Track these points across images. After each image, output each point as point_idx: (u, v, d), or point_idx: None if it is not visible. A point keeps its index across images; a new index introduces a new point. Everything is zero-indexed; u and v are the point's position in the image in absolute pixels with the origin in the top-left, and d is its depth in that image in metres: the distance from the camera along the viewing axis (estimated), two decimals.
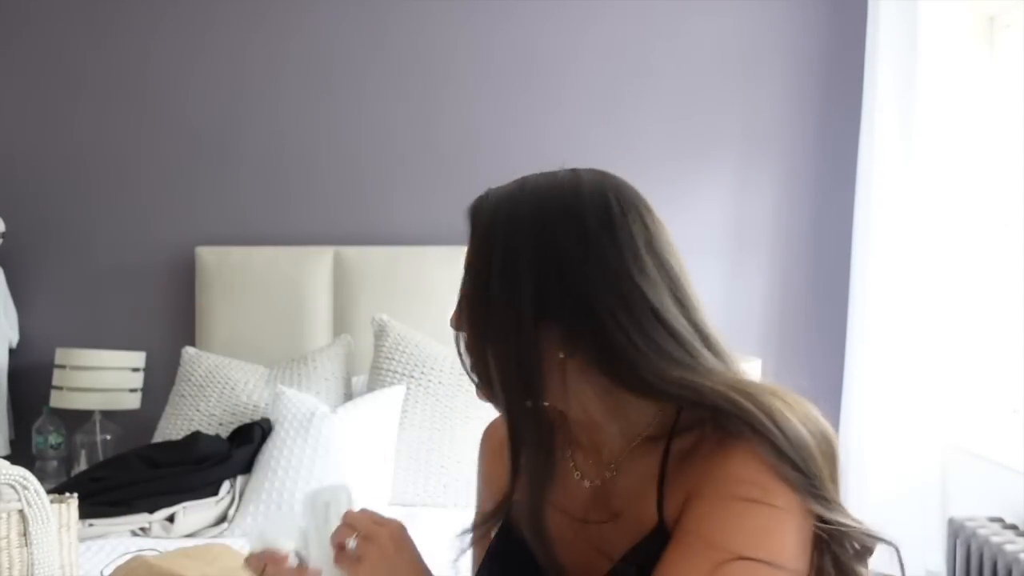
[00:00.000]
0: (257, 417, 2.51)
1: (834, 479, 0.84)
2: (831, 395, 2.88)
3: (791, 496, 0.78)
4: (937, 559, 2.43)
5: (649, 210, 0.89)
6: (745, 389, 0.82)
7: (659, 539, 0.82)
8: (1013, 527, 2.13)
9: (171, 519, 2.21)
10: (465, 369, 0.91)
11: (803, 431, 0.80)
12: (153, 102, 3.00)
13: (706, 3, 2.94)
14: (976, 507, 2.31)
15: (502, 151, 2.94)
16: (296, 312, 2.87)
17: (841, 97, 2.89)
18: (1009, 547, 1.99)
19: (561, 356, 0.84)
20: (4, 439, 2.86)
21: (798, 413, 0.82)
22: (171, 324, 3.01)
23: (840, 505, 0.82)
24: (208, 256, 2.91)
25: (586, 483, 0.92)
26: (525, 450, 0.87)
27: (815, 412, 0.84)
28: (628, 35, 2.95)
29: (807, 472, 0.78)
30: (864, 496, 2.54)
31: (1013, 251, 2.43)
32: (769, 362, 2.91)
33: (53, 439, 2.83)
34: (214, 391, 2.63)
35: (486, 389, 0.89)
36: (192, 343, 2.91)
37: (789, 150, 2.94)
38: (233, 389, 2.62)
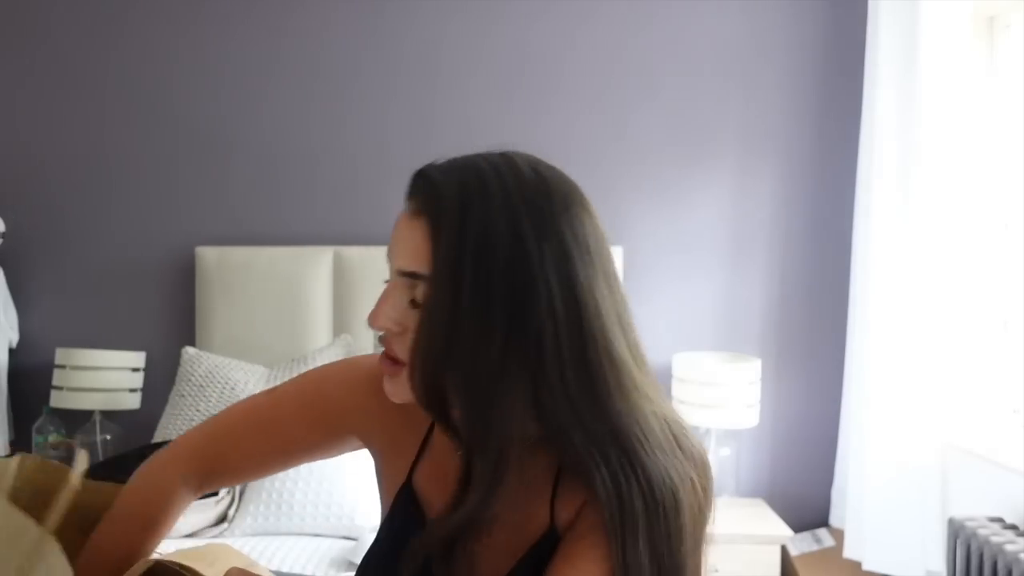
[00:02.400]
0: None
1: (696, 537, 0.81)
2: (831, 395, 2.88)
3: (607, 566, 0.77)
4: (937, 559, 2.43)
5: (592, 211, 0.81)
6: (631, 448, 0.78)
7: (550, 543, 0.83)
8: (1013, 527, 2.13)
9: None
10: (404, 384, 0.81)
11: (659, 487, 0.78)
12: (153, 102, 3.00)
13: (706, 3, 2.94)
14: (976, 507, 2.31)
15: (500, 149, 2.93)
16: (296, 312, 2.87)
17: (841, 97, 2.89)
18: (1009, 547, 1.99)
19: (520, 383, 0.76)
20: (4, 439, 2.87)
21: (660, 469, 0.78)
22: (171, 324, 3.01)
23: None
24: (208, 256, 2.91)
25: None
26: (483, 489, 0.77)
27: (699, 459, 0.82)
28: (626, 34, 2.95)
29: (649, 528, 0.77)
30: (864, 496, 2.54)
31: (1013, 251, 2.43)
32: (769, 362, 2.91)
33: (53, 439, 2.83)
34: (214, 391, 2.63)
35: (435, 406, 0.79)
36: (192, 343, 2.91)
37: (789, 150, 2.94)
38: (233, 389, 2.62)
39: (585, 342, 0.75)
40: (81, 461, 0.86)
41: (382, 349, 0.85)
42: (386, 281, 0.84)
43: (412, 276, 0.79)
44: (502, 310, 0.74)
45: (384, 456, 0.95)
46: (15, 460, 0.86)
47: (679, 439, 0.81)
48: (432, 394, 0.78)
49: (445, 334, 0.75)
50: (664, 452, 0.79)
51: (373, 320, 0.82)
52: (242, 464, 0.98)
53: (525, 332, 0.74)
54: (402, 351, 0.81)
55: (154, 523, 0.96)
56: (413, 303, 0.80)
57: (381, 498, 0.98)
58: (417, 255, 0.78)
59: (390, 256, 0.83)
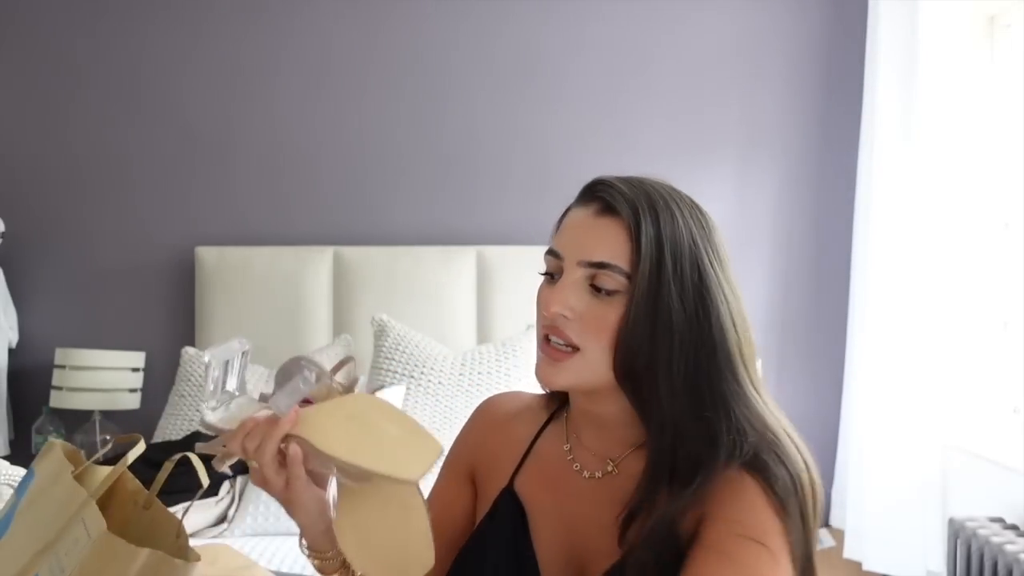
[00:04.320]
0: None
1: (815, 524, 0.89)
2: (831, 395, 2.88)
3: (784, 540, 0.83)
4: (937, 559, 2.43)
5: None
6: (772, 428, 0.88)
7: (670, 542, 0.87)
8: (1013, 527, 2.13)
9: None
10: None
11: (806, 477, 0.87)
12: (153, 102, 3.00)
13: (707, 3, 2.94)
14: (976, 507, 2.31)
15: (502, 150, 2.94)
16: (296, 312, 2.87)
17: (841, 97, 2.89)
18: (1009, 547, 1.99)
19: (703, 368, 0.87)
20: (4, 439, 2.86)
21: (803, 455, 0.88)
22: (171, 324, 3.01)
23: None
24: (208, 256, 2.91)
25: (585, 475, 0.96)
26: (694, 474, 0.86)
27: (808, 455, 0.90)
28: (628, 34, 2.95)
29: (804, 517, 0.86)
30: (864, 496, 2.54)
31: (1013, 251, 2.43)
32: (769, 362, 2.91)
33: (53, 439, 2.83)
34: None
35: (630, 381, 0.88)
36: (192, 343, 2.91)
37: (789, 150, 2.94)
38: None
39: (739, 338, 0.89)
40: (138, 448, 0.87)
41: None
42: (544, 274, 0.93)
43: (600, 267, 0.87)
44: (691, 302, 0.87)
45: (482, 474, 1.05)
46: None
47: (791, 431, 0.91)
48: (631, 370, 0.87)
49: (651, 319, 0.86)
50: (796, 445, 0.89)
51: (552, 306, 0.89)
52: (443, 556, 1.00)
53: (707, 323, 0.87)
54: (577, 336, 0.88)
55: None
56: (595, 291, 0.88)
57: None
58: (614, 249, 0.88)
59: (565, 249, 0.90)
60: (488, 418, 1.09)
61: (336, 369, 0.91)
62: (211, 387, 0.86)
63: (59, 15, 2.99)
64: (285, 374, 0.88)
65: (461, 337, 2.84)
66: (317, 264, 2.89)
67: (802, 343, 2.95)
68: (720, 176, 2.95)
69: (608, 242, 0.88)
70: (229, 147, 3.00)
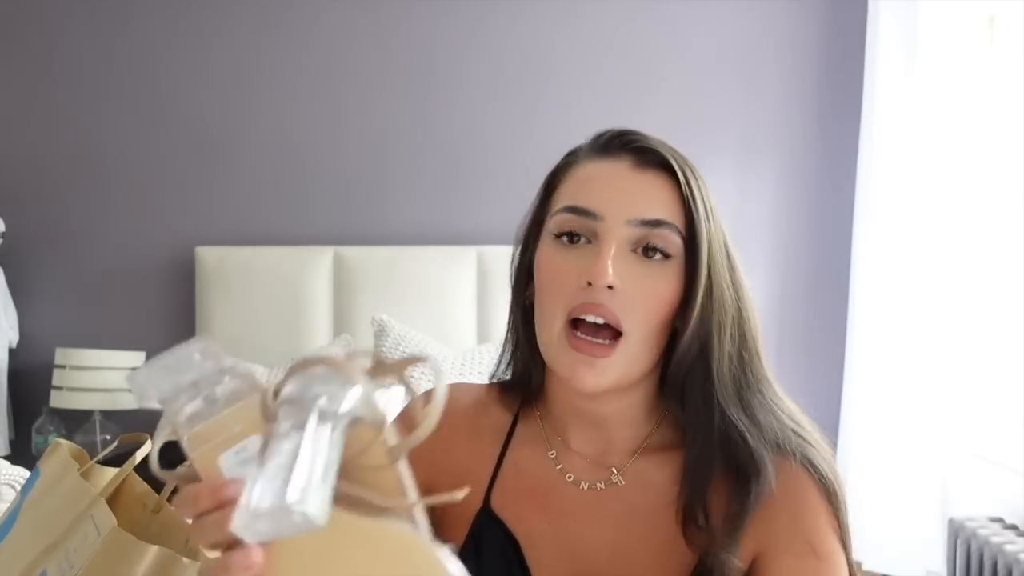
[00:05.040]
0: None
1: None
2: (831, 395, 2.88)
3: (839, 545, 0.77)
4: (937, 559, 2.43)
5: None
6: (798, 419, 0.80)
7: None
8: (1013, 527, 2.13)
9: None
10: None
11: (835, 468, 0.80)
12: (154, 102, 2.99)
13: (707, 3, 2.94)
14: (976, 507, 2.31)
15: (502, 150, 2.94)
16: (296, 312, 2.87)
17: (841, 97, 2.89)
18: (1009, 547, 1.99)
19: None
20: (4, 439, 2.86)
21: (828, 454, 0.80)
22: (171, 324, 3.01)
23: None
24: (208, 256, 2.91)
25: (583, 486, 0.81)
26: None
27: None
28: (628, 35, 2.95)
29: (844, 520, 0.79)
30: (865, 496, 2.54)
31: (1013, 251, 2.43)
32: (769, 362, 2.91)
33: (53, 439, 2.82)
34: None
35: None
36: None
37: (789, 150, 2.94)
38: None
39: (755, 319, 0.81)
40: (145, 448, 0.86)
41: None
42: (560, 235, 0.77)
43: (656, 225, 0.75)
44: (731, 274, 0.78)
45: (445, 487, 0.82)
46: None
47: (811, 423, 0.82)
48: (686, 356, 0.76)
49: (708, 291, 0.75)
50: (819, 439, 0.80)
51: (603, 276, 0.73)
52: None
53: (743, 299, 0.79)
54: (625, 313, 0.74)
55: None
56: (645, 256, 0.76)
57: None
58: (668, 207, 0.76)
59: (606, 205, 0.76)
60: (449, 417, 0.79)
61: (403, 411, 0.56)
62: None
63: (60, 15, 2.99)
64: (296, 406, 0.50)
65: (462, 337, 2.84)
66: (317, 264, 2.89)
67: (802, 342, 2.95)
68: (720, 176, 2.94)
69: (662, 199, 0.76)
70: (229, 147, 2.99)
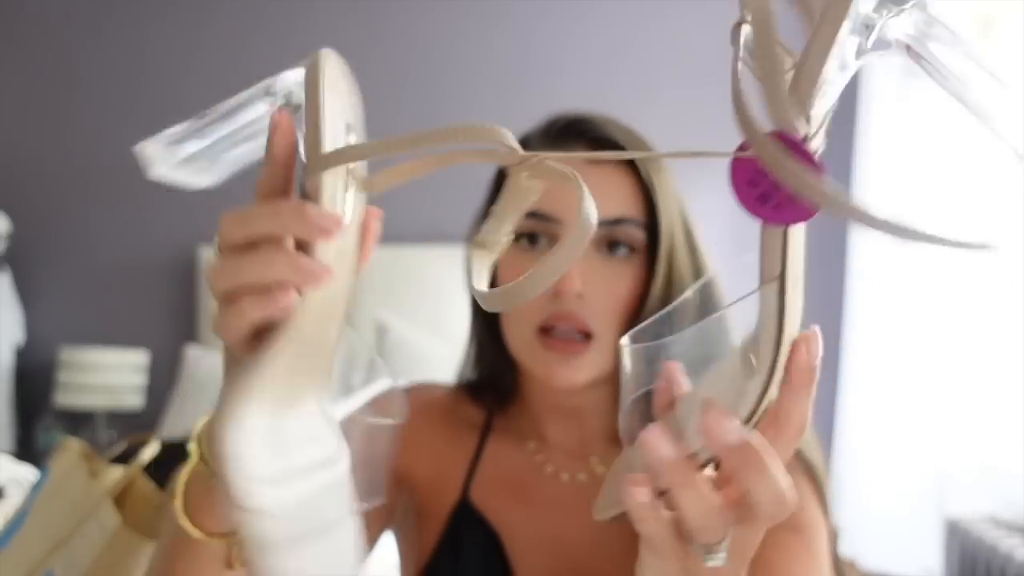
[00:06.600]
0: None
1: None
2: (828, 394, 2.89)
3: (821, 519, 0.74)
4: (935, 559, 2.44)
5: None
6: None
7: None
8: (1011, 527, 2.14)
9: None
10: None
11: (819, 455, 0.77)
12: (154, 101, 3.01)
13: (706, 3, 2.95)
14: (974, 507, 2.32)
15: None
16: None
17: (840, 97, 2.89)
18: (1006, 547, 2.00)
19: None
20: (9, 438, 2.88)
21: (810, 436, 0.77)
22: (174, 323, 3.02)
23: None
24: (210, 255, 2.92)
25: (564, 477, 0.79)
26: None
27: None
28: (626, 35, 2.96)
29: (825, 493, 0.76)
30: (861, 496, 2.55)
31: (1013, 253, 2.44)
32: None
33: (58, 437, 2.85)
34: (217, 390, 2.63)
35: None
36: (196, 342, 2.92)
37: None
38: None
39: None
40: (152, 448, 0.87)
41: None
42: (519, 236, 0.73)
43: (617, 224, 0.73)
44: (693, 264, 0.77)
45: (423, 483, 0.83)
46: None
47: None
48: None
49: (668, 281, 0.73)
50: None
51: (573, 285, 0.71)
52: None
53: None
54: (594, 318, 0.72)
55: None
56: (607, 252, 0.73)
57: (406, 543, 0.85)
58: (628, 200, 0.74)
59: (560, 206, 0.73)
60: (426, 410, 0.85)
61: None
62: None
63: (61, 15, 3.00)
64: None
65: (463, 337, 2.85)
66: None
67: None
68: (719, 177, 2.93)
69: (622, 194, 0.74)
70: None
